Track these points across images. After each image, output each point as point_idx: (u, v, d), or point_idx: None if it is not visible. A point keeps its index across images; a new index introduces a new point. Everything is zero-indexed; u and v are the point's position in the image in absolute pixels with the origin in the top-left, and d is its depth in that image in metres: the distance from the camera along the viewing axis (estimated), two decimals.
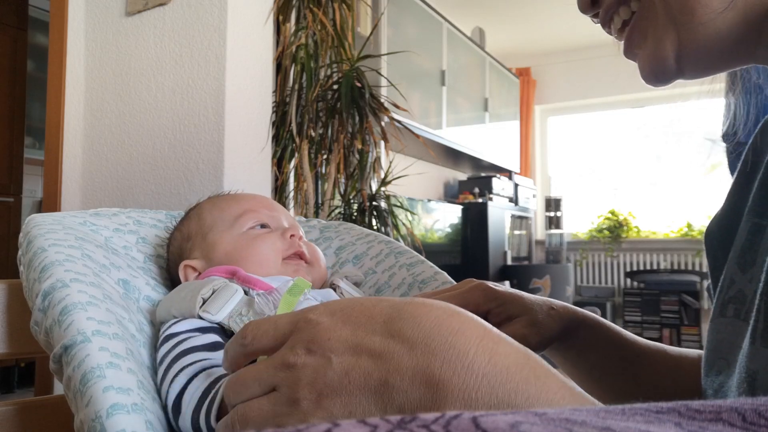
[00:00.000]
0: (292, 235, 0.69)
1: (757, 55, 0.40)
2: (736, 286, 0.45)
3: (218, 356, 0.52)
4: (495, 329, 0.32)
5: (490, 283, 0.61)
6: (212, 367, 0.51)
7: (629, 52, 0.43)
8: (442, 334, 0.30)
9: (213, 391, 0.47)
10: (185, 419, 0.48)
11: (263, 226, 0.71)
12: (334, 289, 0.69)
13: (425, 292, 0.61)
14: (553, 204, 5.32)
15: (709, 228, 0.52)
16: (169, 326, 0.57)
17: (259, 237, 0.69)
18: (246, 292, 0.60)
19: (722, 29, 0.38)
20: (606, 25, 0.44)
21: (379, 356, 0.31)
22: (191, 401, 0.48)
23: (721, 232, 0.50)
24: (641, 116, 5.11)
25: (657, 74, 0.41)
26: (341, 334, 0.32)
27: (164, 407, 0.51)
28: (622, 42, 0.44)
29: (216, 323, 0.57)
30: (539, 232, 5.42)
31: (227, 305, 0.57)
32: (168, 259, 0.75)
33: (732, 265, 0.47)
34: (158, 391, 0.53)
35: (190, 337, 0.55)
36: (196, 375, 0.50)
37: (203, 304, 0.57)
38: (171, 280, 0.74)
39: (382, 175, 1.93)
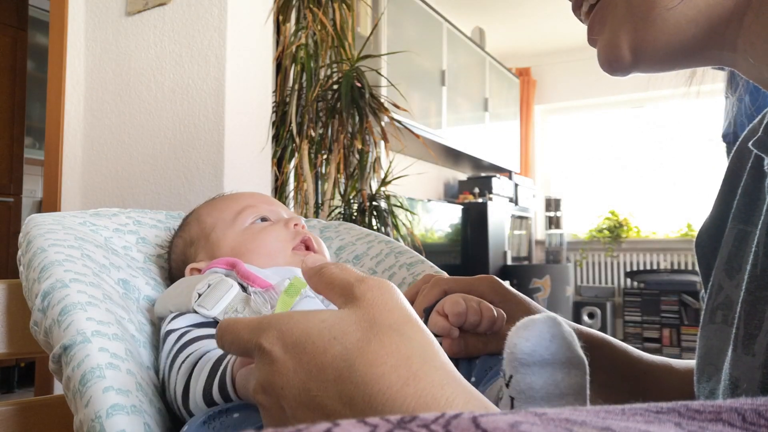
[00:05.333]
0: (295, 225, 0.70)
1: (722, 58, 0.40)
2: (724, 292, 0.45)
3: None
4: (459, 392, 0.29)
5: (502, 281, 0.62)
6: (211, 350, 0.52)
7: (590, 39, 0.43)
8: (395, 412, 0.28)
9: (223, 364, 0.48)
10: (197, 396, 0.48)
11: (264, 219, 0.72)
12: None
13: (438, 277, 0.61)
14: (553, 204, 5.32)
15: (698, 237, 0.52)
16: (168, 322, 0.58)
17: (263, 230, 0.69)
18: (244, 288, 0.60)
19: (682, 26, 0.37)
20: (576, 9, 0.44)
21: (333, 416, 0.30)
22: (200, 379, 0.48)
23: (711, 240, 0.50)
24: (641, 116, 5.12)
25: (612, 64, 0.41)
26: (293, 385, 0.31)
27: (170, 398, 0.51)
28: None
29: (212, 318, 0.57)
30: (539, 232, 5.42)
31: (222, 300, 0.57)
32: (171, 267, 0.75)
33: (719, 271, 0.47)
34: (158, 391, 0.53)
35: (189, 331, 0.55)
36: (199, 359, 0.51)
37: (198, 298, 0.57)
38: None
39: (382, 175, 1.93)
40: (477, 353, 0.56)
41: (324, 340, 0.31)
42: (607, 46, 0.41)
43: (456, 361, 0.58)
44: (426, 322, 0.56)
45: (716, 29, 0.37)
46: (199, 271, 0.68)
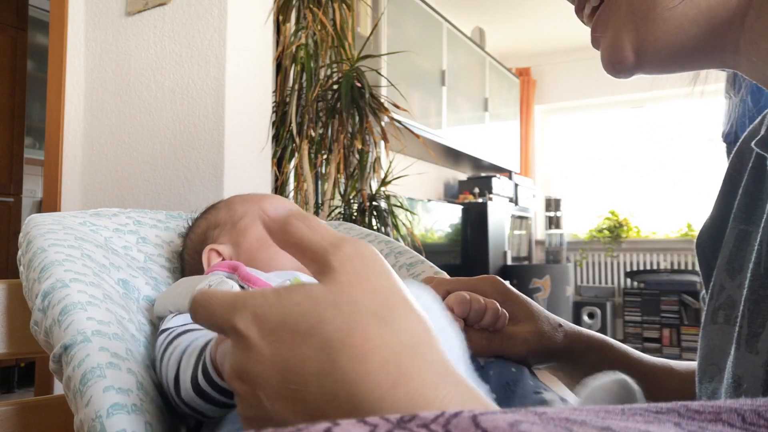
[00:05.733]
0: None
1: (725, 59, 0.40)
2: (725, 292, 0.45)
3: (212, 334, 0.52)
4: (455, 392, 0.26)
5: (504, 281, 0.62)
6: (200, 338, 0.52)
7: (594, 42, 0.43)
8: (385, 414, 0.24)
9: (206, 350, 0.48)
10: (186, 384, 0.48)
11: None
12: None
13: (441, 278, 0.61)
14: (553, 204, 5.32)
15: (699, 237, 0.52)
16: (166, 321, 0.58)
17: None
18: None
19: (684, 26, 0.37)
20: (579, 11, 0.44)
21: (315, 414, 0.27)
22: (189, 366, 0.48)
23: (711, 240, 0.50)
24: (641, 116, 5.12)
25: (615, 66, 0.41)
26: (271, 376, 0.28)
27: (167, 391, 0.51)
28: None
29: None
30: (539, 232, 5.42)
31: None
32: (185, 246, 0.76)
33: (721, 271, 0.47)
34: (159, 390, 0.53)
35: (182, 325, 0.56)
36: (187, 347, 0.51)
37: None
38: (181, 270, 0.75)
39: (382, 175, 1.93)
40: (480, 351, 0.56)
41: (302, 328, 0.28)
42: (610, 47, 0.41)
43: None
44: None
45: (718, 29, 0.37)
46: (218, 253, 0.70)
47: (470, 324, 0.55)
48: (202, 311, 0.33)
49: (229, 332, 0.31)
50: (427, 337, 0.28)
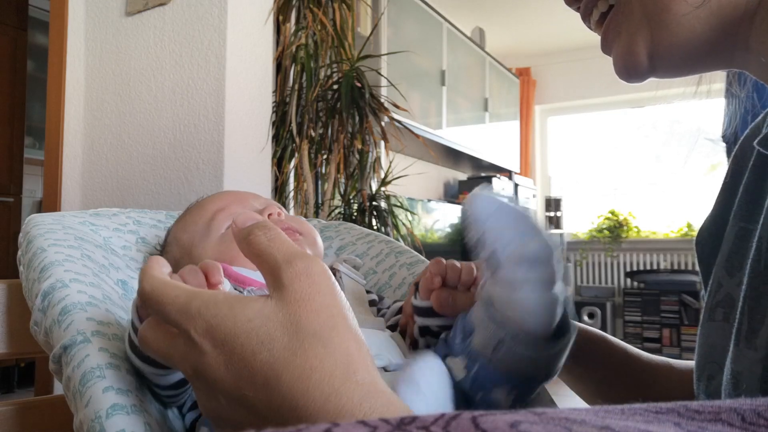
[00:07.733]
0: (270, 215, 0.67)
1: (734, 59, 0.40)
2: (724, 290, 0.45)
3: None
4: (377, 407, 0.30)
5: None
6: None
7: (605, 47, 0.43)
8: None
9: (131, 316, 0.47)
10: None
11: None
12: (334, 273, 0.67)
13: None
14: (553, 204, 5.32)
15: (699, 235, 0.52)
16: None
17: None
18: (239, 291, 0.59)
19: (696, 28, 0.38)
20: (586, 18, 0.44)
21: (263, 418, 0.31)
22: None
23: (711, 238, 0.50)
24: (641, 116, 5.11)
25: (629, 71, 0.41)
26: (226, 381, 0.32)
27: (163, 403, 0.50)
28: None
29: None
30: None
31: None
32: None
33: (720, 269, 0.47)
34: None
35: None
36: None
37: None
38: None
39: (382, 175, 1.93)
40: (467, 308, 0.56)
41: (252, 344, 0.31)
42: (625, 53, 0.41)
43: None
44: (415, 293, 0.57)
45: (728, 29, 0.38)
46: None
47: (450, 284, 0.55)
48: (154, 306, 0.36)
49: (181, 335, 0.34)
50: (359, 357, 0.32)
